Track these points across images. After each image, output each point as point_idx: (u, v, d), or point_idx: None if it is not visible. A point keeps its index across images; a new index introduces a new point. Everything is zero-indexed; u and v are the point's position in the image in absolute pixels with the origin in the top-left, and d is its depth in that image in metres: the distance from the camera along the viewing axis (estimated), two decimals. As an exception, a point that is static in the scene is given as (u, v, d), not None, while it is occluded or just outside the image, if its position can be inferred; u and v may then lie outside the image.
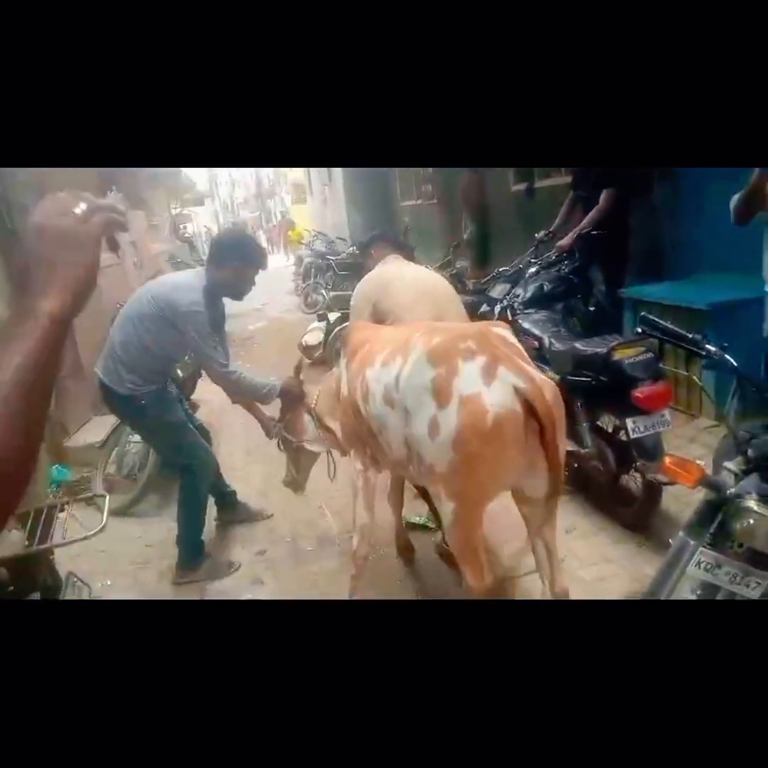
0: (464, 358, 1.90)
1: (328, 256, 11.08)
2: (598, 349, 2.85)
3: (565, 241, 4.61)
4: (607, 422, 3.11)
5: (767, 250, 2.65)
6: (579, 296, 4.56)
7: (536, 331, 3.41)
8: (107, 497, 2.30)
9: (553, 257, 4.60)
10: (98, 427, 4.84)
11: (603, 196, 4.60)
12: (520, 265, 4.99)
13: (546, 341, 3.30)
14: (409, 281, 2.77)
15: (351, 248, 12.01)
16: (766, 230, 2.63)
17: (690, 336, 1.90)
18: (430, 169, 10.19)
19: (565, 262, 4.54)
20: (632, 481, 2.95)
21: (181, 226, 17.04)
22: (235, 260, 2.88)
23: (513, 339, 2.07)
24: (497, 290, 3.91)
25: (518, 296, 3.83)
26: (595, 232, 4.53)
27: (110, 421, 4.31)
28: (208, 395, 4.79)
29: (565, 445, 2.10)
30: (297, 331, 7.83)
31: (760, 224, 2.63)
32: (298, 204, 25.43)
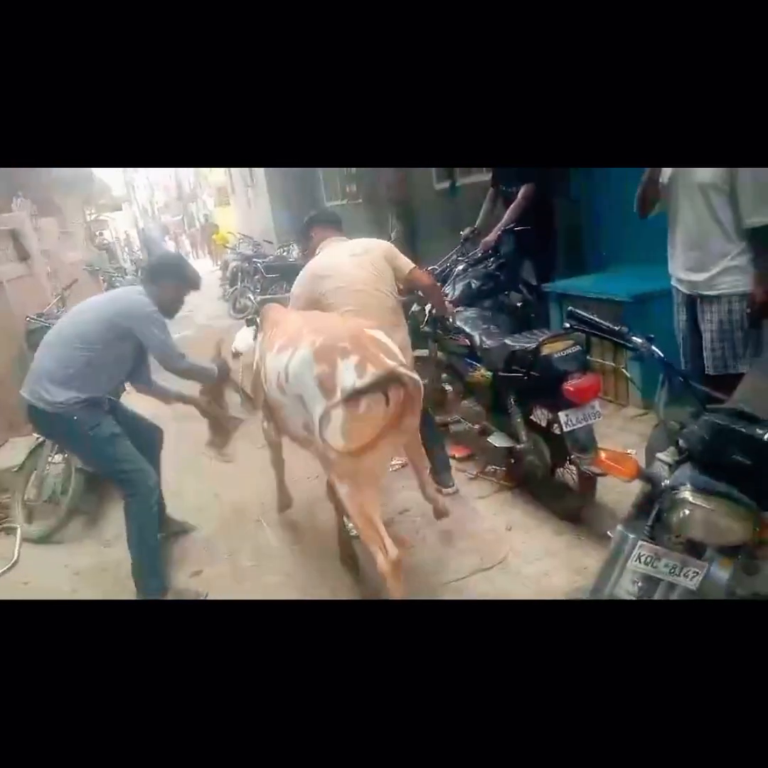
0: (341, 356, 2.24)
1: (255, 259, 10.82)
2: (528, 345, 2.88)
3: (489, 237, 4.65)
4: (540, 417, 3.14)
5: (670, 244, 2.73)
6: (507, 293, 4.61)
7: (467, 329, 3.41)
8: (19, 529, 2.12)
9: (479, 254, 4.64)
10: (14, 450, 4.53)
11: (521, 192, 4.65)
12: (448, 264, 5.02)
13: (477, 339, 3.30)
14: (342, 279, 3.04)
15: (278, 250, 11.82)
16: (668, 222, 2.70)
17: (617, 329, 1.92)
18: (354, 169, 10.14)
19: (491, 259, 4.59)
20: (568, 473, 2.99)
21: (98, 233, 16.30)
22: (170, 280, 3.06)
23: (385, 339, 2.42)
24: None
25: (447, 295, 3.82)
26: (518, 228, 4.59)
27: (29, 442, 4.04)
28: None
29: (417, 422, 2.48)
30: (226, 338, 7.58)
31: (664, 215, 2.71)
32: (221, 206, 24.80)
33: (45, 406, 2.83)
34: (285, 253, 11.16)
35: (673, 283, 2.78)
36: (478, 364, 3.27)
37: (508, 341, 3.03)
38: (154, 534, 3.04)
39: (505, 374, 3.01)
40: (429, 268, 5.48)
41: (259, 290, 10.09)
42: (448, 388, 4.01)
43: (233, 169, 19.26)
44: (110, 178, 19.84)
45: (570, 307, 2.15)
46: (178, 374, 3.16)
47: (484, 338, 3.26)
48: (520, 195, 4.67)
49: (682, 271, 2.67)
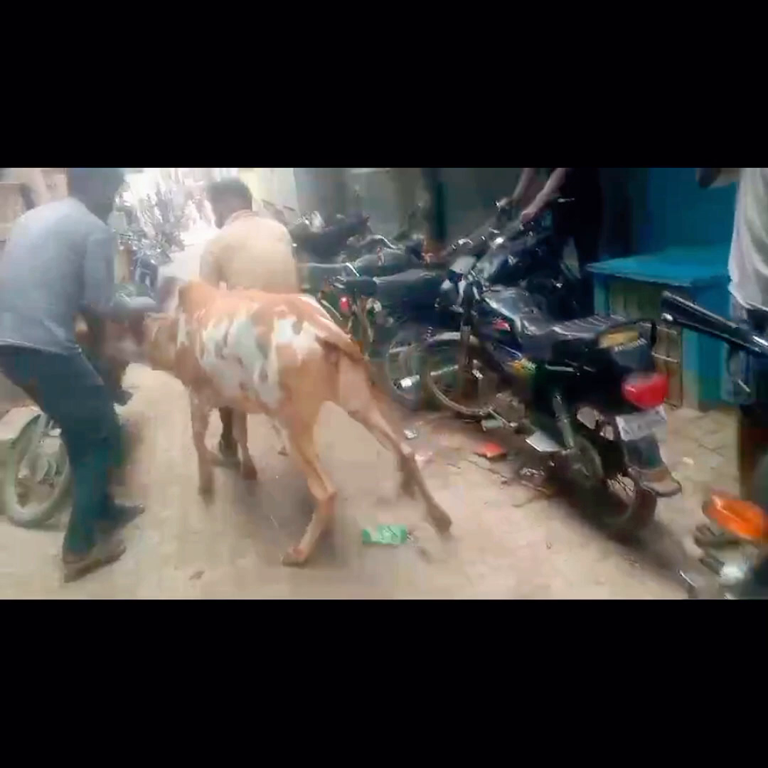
0: (278, 317, 2.54)
1: (275, 228, 10.40)
2: (583, 335, 2.46)
3: (530, 209, 4.18)
4: (586, 416, 2.74)
5: (736, 230, 2.15)
6: (545, 271, 4.18)
7: (506, 312, 3.00)
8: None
9: (520, 227, 4.20)
10: (17, 422, 4.22)
11: None
12: (483, 237, 4.59)
13: (518, 324, 2.89)
14: (253, 254, 3.21)
15: (300, 219, 11.36)
16: (735, 199, 2.17)
17: (734, 326, 1.52)
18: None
19: (531, 233, 4.14)
20: (620, 486, 2.60)
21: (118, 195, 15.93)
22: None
23: (316, 305, 2.84)
24: (460, 264, 3.47)
25: (483, 271, 3.41)
26: (563, 199, 4.12)
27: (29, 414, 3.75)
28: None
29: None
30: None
31: (729, 190, 2.21)
32: (244, 171, 24.22)
33: (48, 347, 2.63)
34: (307, 223, 10.67)
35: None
36: (519, 353, 2.86)
37: (557, 329, 2.61)
38: (105, 493, 3.12)
39: (553, 367, 2.61)
40: (461, 242, 5.11)
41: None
42: (478, 375, 3.62)
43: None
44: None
45: (666, 294, 1.73)
46: (110, 317, 3.07)
47: (526, 324, 2.85)
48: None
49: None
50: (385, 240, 5.73)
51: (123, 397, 4.39)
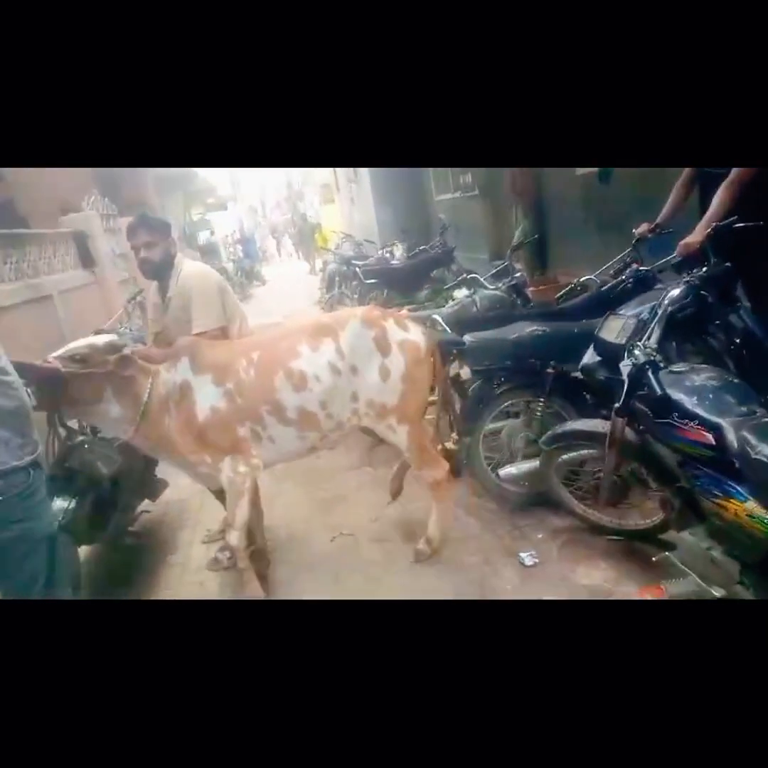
0: (383, 319, 2.73)
1: (354, 262, 9.56)
2: None
3: (694, 236, 3.01)
4: None
5: None
6: (717, 323, 2.98)
7: (704, 413, 1.81)
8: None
9: (676, 262, 3.05)
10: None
11: (735, 173, 3.01)
12: (618, 274, 3.48)
13: (733, 438, 1.70)
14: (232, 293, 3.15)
15: (380, 251, 10.52)
16: None
17: None
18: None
19: (693, 272, 2.96)
20: None
21: (209, 232, 15.75)
22: None
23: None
24: (613, 328, 2.36)
25: (648, 338, 2.21)
26: (741, 225, 2.92)
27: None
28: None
29: None
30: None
31: None
32: (326, 204, 24.03)
33: None
34: (388, 255, 9.78)
35: None
36: (737, 488, 1.70)
37: None
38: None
39: None
40: (582, 279, 3.99)
41: (356, 297, 8.84)
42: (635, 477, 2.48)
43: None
44: (215, 177, 19.48)
45: None
46: None
47: (753, 440, 1.66)
48: (733, 177, 3.02)
49: None
50: (480, 279, 4.65)
51: (156, 489, 3.55)
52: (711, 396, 1.83)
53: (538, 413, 2.99)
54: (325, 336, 2.66)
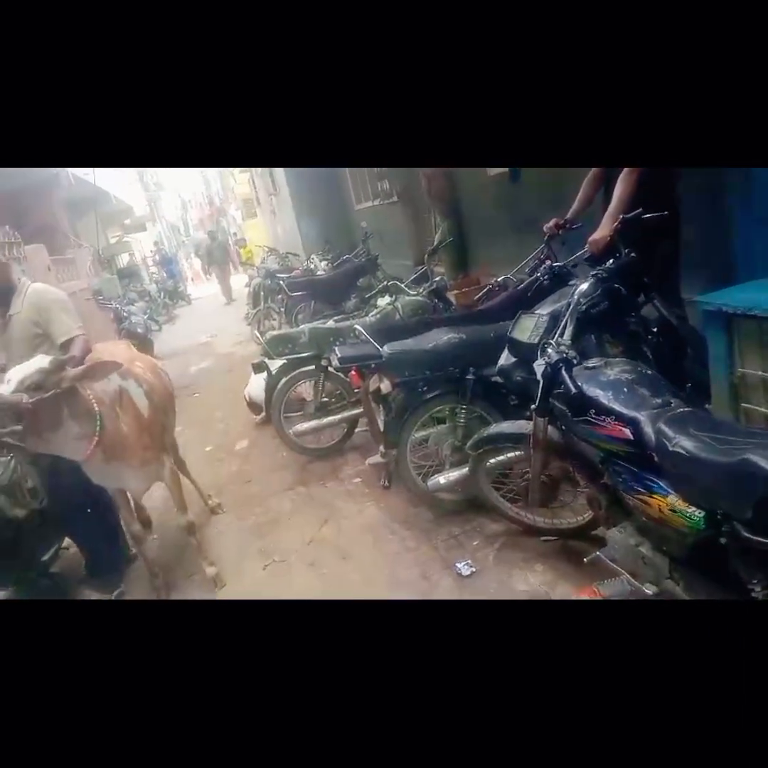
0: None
1: (278, 275, 9.38)
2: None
3: (601, 232, 3.03)
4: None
5: None
6: (630, 317, 3.00)
7: (620, 408, 1.77)
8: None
9: (588, 256, 3.07)
10: None
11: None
12: (531, 273, 3.48)
13: (650, 431, 1.67)
14: None
15: (305, 263, 10.37)
16: None
17: None
18: (385, 164, 8.61)
19: (603, 265, 2.97)
20: None
21: (128, 254, 15.10)
22: None
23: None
24: (524, 328, 2.33)
25: (561, 335, 2.17)
26: (647, 215, 2.95)
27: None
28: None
29: None
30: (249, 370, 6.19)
31: None
32: (249, 219, 23.66)
33: None
34: (312, 266, 9.64)
35: None
36: (659, 483, 1.67)
37: (759, 459, 1.41)
38: None
39: (750, 534, 1.41)
40: (499, 279, 3.98)
41: (283, 311, 8.65)
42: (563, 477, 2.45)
43: (256, 178, 18.02)
44: (131, 198, 18.79)
45: None
46: None
47: (670, 432, 1.61)
48: (629, 168, 3.07)
49: None
50: (400, 284, 4.60)
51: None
52: (626, 390, 1.81)
53: (462, 419, 2.93)
54: None
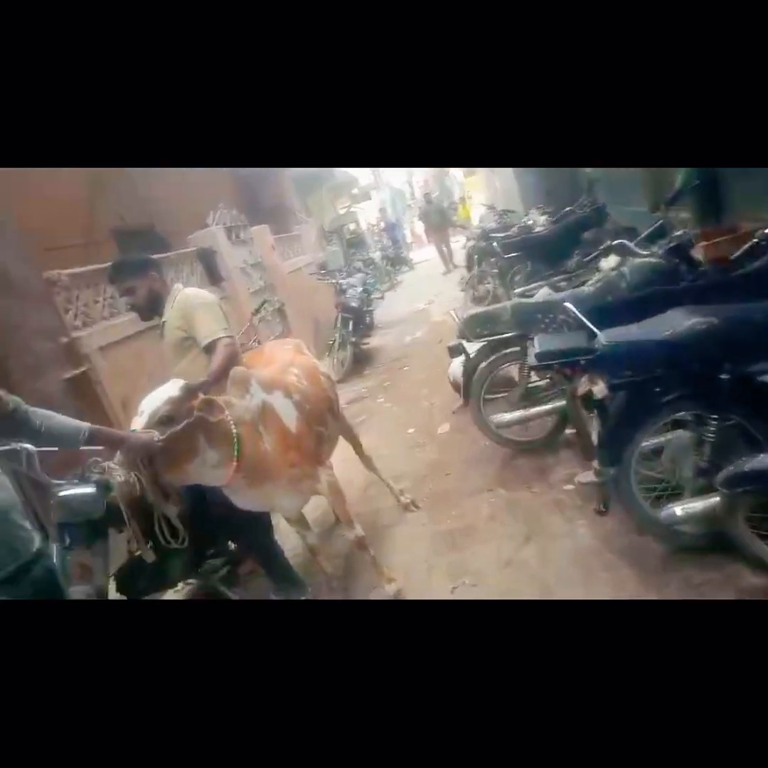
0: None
1: (492, 234, 8.73)
2: None
3: None
4: None
5: None
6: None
7: None
8: None
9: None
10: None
11: None
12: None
13: None
14: None
15: (524, 219, 9.52)
16: None
17: None
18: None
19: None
20: None
21: (338, 229, 15.65)
22: None
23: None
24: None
25: None
26: None
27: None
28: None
29: None
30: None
31: None
32: (469, 176, 23.05)
33: None
34: (531, 223, 8.76)
35: None
36: None
37: None
38: None
39: None
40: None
41: (497, 274, 8.04)
42: None
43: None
44: (354, 168, 19.40)
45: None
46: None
47: None
48: None
49: None
50: (628, 244, 3.68)
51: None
52: None
53: (712, 433, 2.13)
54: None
